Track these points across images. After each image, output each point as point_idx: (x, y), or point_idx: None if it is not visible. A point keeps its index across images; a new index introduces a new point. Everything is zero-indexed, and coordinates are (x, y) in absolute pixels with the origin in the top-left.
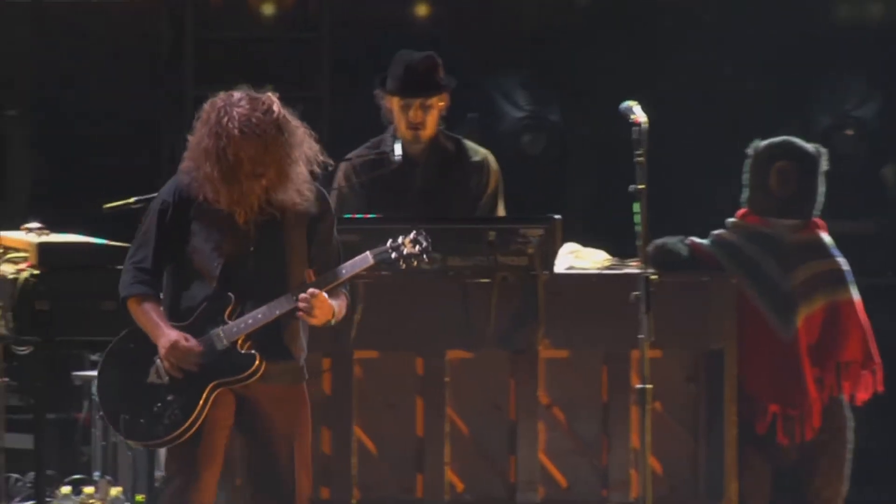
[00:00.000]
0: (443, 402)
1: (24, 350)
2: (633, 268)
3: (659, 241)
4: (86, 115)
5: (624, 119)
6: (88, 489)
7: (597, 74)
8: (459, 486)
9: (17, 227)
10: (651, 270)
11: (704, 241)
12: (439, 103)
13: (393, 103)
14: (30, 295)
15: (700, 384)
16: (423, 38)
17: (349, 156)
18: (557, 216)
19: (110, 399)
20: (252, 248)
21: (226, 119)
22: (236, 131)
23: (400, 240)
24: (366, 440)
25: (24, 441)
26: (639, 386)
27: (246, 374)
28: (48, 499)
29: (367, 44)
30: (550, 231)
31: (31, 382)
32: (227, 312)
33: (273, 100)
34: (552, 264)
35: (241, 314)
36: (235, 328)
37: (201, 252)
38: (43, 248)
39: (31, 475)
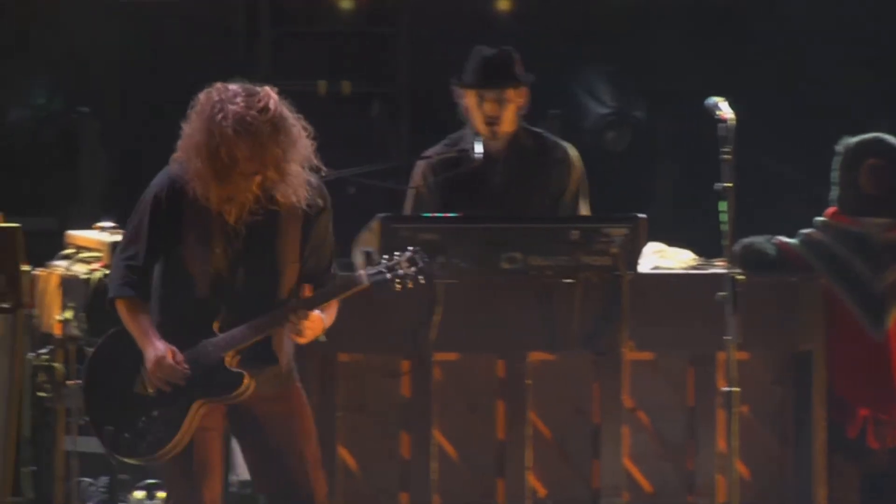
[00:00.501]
0: (524, 405)
1: None
2: (719, 268)
3: (746, 241)
4: (158, 111)
5: (710, 115)
6: (161, 494)
7: (683, 70)
8: (541, 491)
9: (89, 227)
10: (737, 270)
11: (792, 241)
12: (517, 98)
13: (469, 98)
14: (103, 295)
15: (788, 387)
16: (504, 33)
17: (427, 153)
18: (642, 215)
19: (96, 406)
20: (243, 251)
21: (220, 115)
22: (230, 130)
23: (395, 258)
24: (445, 444)
25: (97, 445)
26: (725, 389)
27: (233, 393)
28: (121, 503)
29: (446, 39)
30: (635, 230)
31: None
32: (216, 322)
33: (270, 95)
34: (637, 264)
35: (231, 323)
36: (224, 343)
37: (192, 253)
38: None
39: (105, 479)
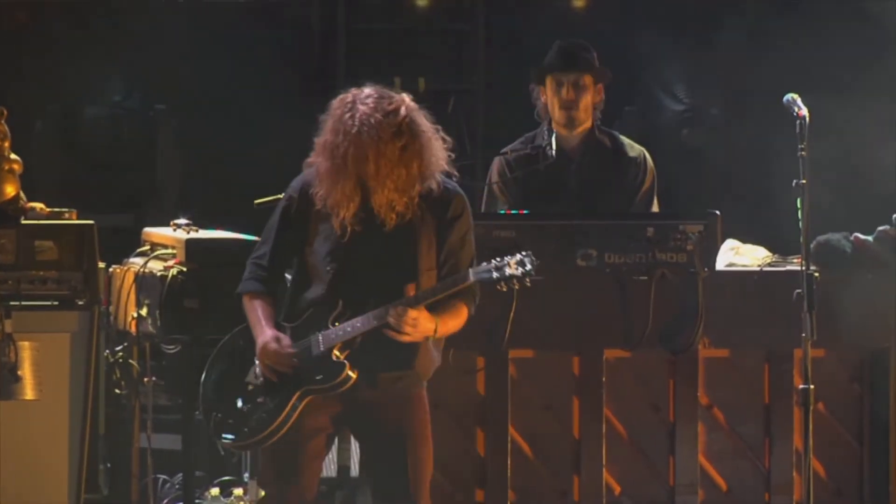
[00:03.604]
0: (600, 402)
1: (172, 348)
2: (794, 265)
3: (822, 238)
4: (235, 108)
5: (787, 112)
6: (238, 491)
7: (756, 66)
8: (617, 489)
9: (165, 224)
10: (813, 267)
11: (869, 238)
12: (594, 90)
13: (547, 89)
14: (178, 292)
15: (864, 384)
16: (581, 30)
17: (504, 150)
18: (717, 212)
19: (209, 396)
20: (368, 254)
21: (348, 115)
22: (354, 129)
23: (505, 259)
24: (521, 441)
25: (172, 442)
26: (801, 386)
27: (333, 383)
28: (197, 500)
29: (522, 35)
30: (710, 227)
31: (180, 382)
32: (332, 318)
33: (402, 102)
34: (712, 261)
35: (347, 321)
36: (334, 335)
37: (317, 254)
38: (191, 245)
39: (180, 476)
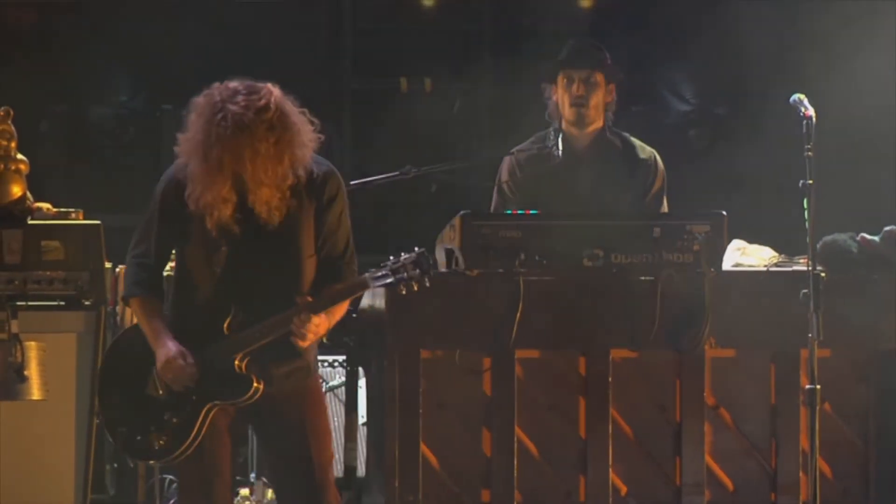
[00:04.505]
0: (606, 402)
1: None
2: (801, 265)
3: (828, 238)
4: None
5: (793, 112)
6: (244, 491)
7: (764, 66)
8: (623, 489)
9: None
10: (820, 268)
11: (875, 238)
12: (605, 90)
13: (558, 86)
14: None
15: (871, 385)
16: (587, 30)
17: (513, 150)
18: (723, 212)
19: (110, 405)
20: (256, 251)
21: (220, 116)
22: (228, 132)
23: (401, 260)
24: (527, 442)
25: None
26: (808, 386)
27: (243, 398)
28: None
29: (529, 35)
30: (717, 227)
31: None
32: (226, 324)
33: (270, 96)
34: (719, 261)
35: (245, 323)
36: (234, 345)
37: (199, 255)
38: None
39: None
